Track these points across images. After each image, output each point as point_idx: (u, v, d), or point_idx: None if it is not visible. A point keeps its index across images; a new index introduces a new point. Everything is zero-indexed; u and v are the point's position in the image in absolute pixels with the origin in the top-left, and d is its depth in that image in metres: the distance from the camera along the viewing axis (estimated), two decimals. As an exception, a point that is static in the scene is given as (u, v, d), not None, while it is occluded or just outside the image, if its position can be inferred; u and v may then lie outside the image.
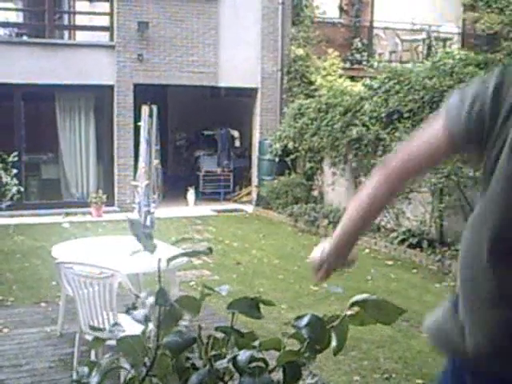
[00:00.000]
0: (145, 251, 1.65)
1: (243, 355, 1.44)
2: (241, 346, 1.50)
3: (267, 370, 1.45)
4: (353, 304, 1.45)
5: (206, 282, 7.65)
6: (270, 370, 1.45)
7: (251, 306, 1.57)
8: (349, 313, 1.45)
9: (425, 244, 9.34)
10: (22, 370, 5.17)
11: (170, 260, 1.60)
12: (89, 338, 4.84)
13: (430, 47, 15.72)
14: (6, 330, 6.07)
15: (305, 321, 1.46)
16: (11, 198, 7.53)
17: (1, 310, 6.67)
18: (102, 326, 4.74)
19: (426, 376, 5.23)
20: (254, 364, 1.44)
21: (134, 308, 1.61)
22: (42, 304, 6.87)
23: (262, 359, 1.46)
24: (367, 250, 9.86)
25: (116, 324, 1.63)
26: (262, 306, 1.61)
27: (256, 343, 1.51)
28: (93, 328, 1.67)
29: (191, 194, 13.98)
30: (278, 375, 1.46)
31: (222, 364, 1.46)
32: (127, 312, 1.60)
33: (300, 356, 1.45)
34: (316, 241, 10.59)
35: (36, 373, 5.12)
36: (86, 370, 1.54)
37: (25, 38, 14.36)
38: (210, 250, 1.65)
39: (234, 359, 1.44)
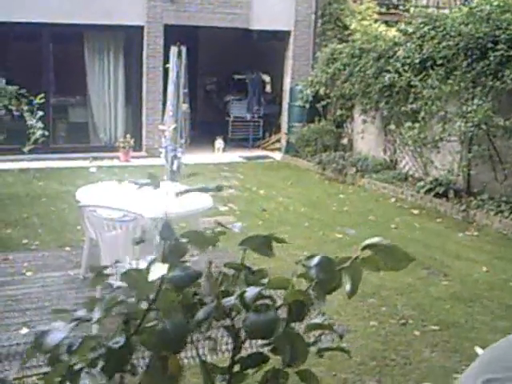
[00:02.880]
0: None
1: (251, 292, 1.43)
2: (250, 284, 1.50)
3: (274, 308, 1.45)
4: (364, 247, 1.42)
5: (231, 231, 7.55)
6: (276, 308, 1.45)
7: (263, 244, 1.54)
8: (361, 256, 1.42)
9: (451, 193, 9.31)
10: (45, 313, 5.20)
11: (178, 194, 1.63)
12: (111, 281, 4.78)
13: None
14: (29, 274, 6.11)
15: (315, 261, 1.44)
16: (35, 142, 7.40)
17: (26, 254, 6.71)
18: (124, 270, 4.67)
19: (441, 322, 5.35)
20: (260, 302, 1.44)
21: (142, 241, 1.62)
22: (67, 248, 6.90)
23: (269, 297, 1.46)
24: (393, 199, 9.86)
25: (117, 261, 1.71)
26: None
27: (265, 281, 1.50)
28: (93, 268, 1.57)
29: (219, 143, 13.83)
30: (283, 313, 1.46)
31: (229, 301, 1.46)
32: (137, 244, 1.63)
33: (307, 295, 1.44)
34: (343, 189, 10.47)
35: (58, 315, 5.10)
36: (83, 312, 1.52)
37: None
38: (220, 188, 1.66)
39: (241, 296, 1.44)
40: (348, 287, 1.40)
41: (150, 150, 12.78)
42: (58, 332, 1.43)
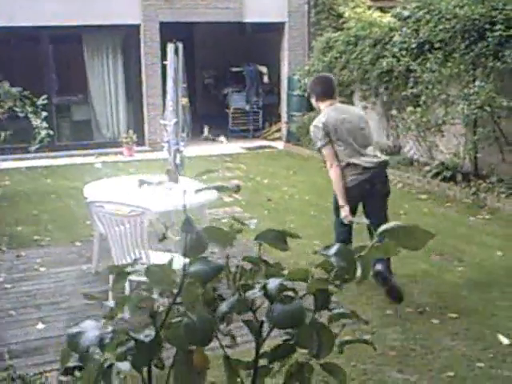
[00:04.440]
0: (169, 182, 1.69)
1: (273, 283, 1.44)
2: (269, 276, 1.51)
3: (298, 297, 1.46)
4: (381, 233, 1.43)
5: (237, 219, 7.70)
6: (300, 297, 1.46)
7: (278, 238, 1.57)
8: (376, 244, 1.44)
9: (459, 177, 9.19)
10: (59, 308, 5.33)
11: (197, 191, 1.64)
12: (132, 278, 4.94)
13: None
14: (43, 269, 6.24)
15: (333, 250, 1.46)
16: (41, 141, 7.58)
17: (38, 250, 6.85)
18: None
19: (460, 310, 5.20)
20: (284, 293, 1.45)
21: (165, 238, 1.62)
22: (77, 243, 7.03)
23: (292, 289, 1.46)
24: (400, 185, 9.77)
25: (138, 259, 1.64)
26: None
27: (284, 273, 1.52)
28: (113, 267, 1.67)
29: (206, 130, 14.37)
30: (305, 304, 1.47)
31: (253, 294, 1.46)
32: (160, 241, 1.62)
33: (328, 284, 1.46)
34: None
35: (73, 310, 5.27)
36: (112, 303, 1.57)
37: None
38: (238, 187, 1.64)
39: (264, 287, 1.44)
40: (359, 273, 1.43)
41: (153, 144, 12.97)
42: (91, 331, 1.46)
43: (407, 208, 8.43)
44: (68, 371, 1.53)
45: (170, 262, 1.53)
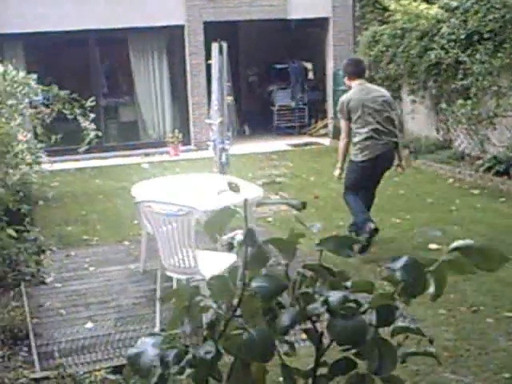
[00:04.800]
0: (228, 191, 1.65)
1: (335, 296, 1.39)
2: (331, 286, 1.46)
3: (360, 312, 1.39)
4: (452, 250, 1.36)
5: (284, 218, 7.66)
6: (362, 312, 1.40)
7: (342, 244, 1.49)
8: (447, 258, 1.36)
9: None
10: (108, 307, 5.37)
11: (258, 205, 1.57)
12: (170, 274, 4.96)
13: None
14: (92, 269, 6.31)
15: (400, 263, 1.38)
16: (89, 143, 7.67)
17: (87, 249, 6.94)
18: (181, 263, 4.84)
19: None
20: (345, 305, 1.40)
21: (232, 247, 1.54)
22: (125, 242, 7.09)
23: (354, 300, 1.41)
24: (451, 180, 9.57)
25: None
26: None
27: (348, 284, 1.46)
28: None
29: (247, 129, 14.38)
30: (368, 317, 1.41)
31: (315, 309, 1.41)
32: (229, 248, 1.56)
33: (394, 299, 1.40)
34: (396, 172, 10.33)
35: (121, 309, 5.31)
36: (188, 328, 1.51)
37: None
38: (304, 204, 1.53)
39: (325, 302, 1.39)
40: (432, 289, 1.37)
41: (199, 143, 13.01)
42: (150, 350, 1.43)
43: (458, 204, 8.22)
44: (116, 370, 1.52)
45: (233, 274, 1.48)
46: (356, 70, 6.53)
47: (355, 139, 6.42)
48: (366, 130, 6.30)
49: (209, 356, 1.39)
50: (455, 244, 1.36)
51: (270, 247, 1.46)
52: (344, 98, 6.43)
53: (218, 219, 1.53)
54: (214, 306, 1.47)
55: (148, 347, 1.44)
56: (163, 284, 5.02)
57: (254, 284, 1.42)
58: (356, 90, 6.40)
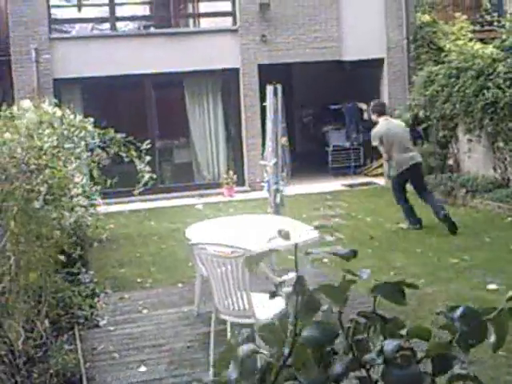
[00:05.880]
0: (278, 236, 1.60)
1: (389, 344, 1.34)
2: (385, 333, 1.41)
3: (415, 361, 1.33)
4: (510, 298, 1.31)
5: (339, 258, 7.51)
6: (417, 361, 1.34)
7: (395, 291, 1.44)
8: (507, 306, 1.30)
9: None
10: (161, 350, 5.32)
11: (307, 254, 1.54)
12: (224, 317, 4.88)
13: None
14: (145, 311, 6.28)
15: (459, 312, 1.34)
16: (144, 185, 7.74)
17: (140, 292, 6.94)
18: (235, 306, 4.76)
19: None
20: (399, 353, 1.34)
21: (275, 296, 1.53)
22: (179, 285, 7.07)
23: (410, 348, 1.35)
24: (509, 219, 9.37)
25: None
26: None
27: (403, 332, 1.40)
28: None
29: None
30: (424, 366, 1.35)
31: (371, 359, 1.36)
32: (271, 297, 1.53)
33: (451, 349, 1.34)
34: (453, 211, 10.08)
35: (175, 352, 5.24)
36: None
37: (152, 29, 14.73)
38: (355, 253, 1.50)
39: (380, 351, 1.34)
40: (493, 339, 1.32)
41: (253, 184, 13.01)
42: None
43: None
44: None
45: (283, 322, 1.43)
46: (383, 110, 9.31)
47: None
48: (394, 149, 8.97)
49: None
50: None
51: (321, 295, 1.42)
52: (375, 130, 9.10)
53: (259, 257, 1.54)
54: (266, 353, 1.42)
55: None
56: (217, 327, 4.94)
57: (304, 333, 1.37)
58: (383, 123, 9.03)
